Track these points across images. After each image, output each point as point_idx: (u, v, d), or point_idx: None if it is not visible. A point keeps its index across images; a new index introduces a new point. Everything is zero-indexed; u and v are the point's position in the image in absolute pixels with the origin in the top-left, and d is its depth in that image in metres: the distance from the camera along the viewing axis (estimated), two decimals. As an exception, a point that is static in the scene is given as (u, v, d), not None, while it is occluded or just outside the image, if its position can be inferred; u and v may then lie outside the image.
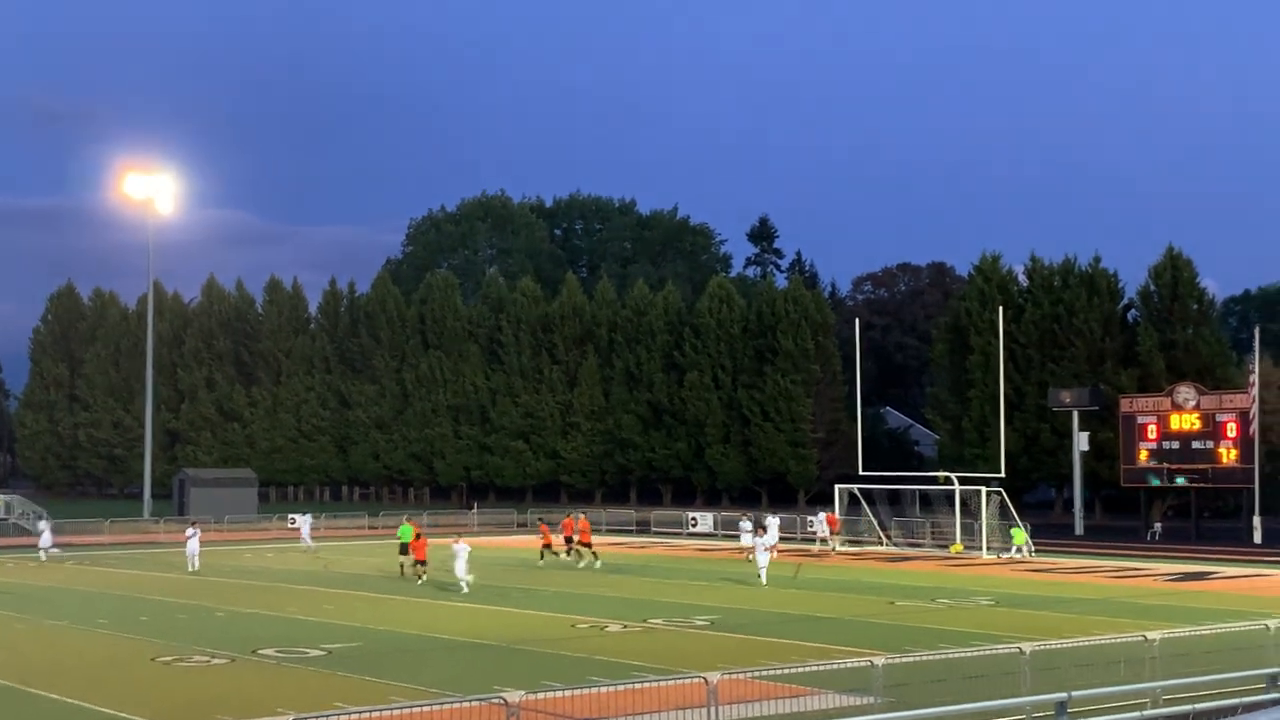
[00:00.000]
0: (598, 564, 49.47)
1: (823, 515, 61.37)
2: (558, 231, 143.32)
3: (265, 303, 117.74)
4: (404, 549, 45.20)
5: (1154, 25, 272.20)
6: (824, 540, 59.68)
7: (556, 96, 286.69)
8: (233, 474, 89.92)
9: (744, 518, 59.03)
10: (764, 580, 41.77)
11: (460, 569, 39.85)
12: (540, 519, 60.34)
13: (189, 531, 49.32)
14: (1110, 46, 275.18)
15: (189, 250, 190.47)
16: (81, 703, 21.90)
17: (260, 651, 27.55)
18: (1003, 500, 56.97)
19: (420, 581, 42.21)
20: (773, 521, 54.71)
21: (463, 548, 40.23)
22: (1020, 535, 55.41)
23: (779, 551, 51.28)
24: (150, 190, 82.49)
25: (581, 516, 53.22)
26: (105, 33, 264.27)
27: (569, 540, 52.40)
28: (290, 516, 63.18)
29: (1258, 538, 60.81)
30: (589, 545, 50.65)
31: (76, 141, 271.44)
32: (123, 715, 20.73)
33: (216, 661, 26.53)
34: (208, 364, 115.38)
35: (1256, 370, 64.71)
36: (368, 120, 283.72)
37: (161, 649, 28.10)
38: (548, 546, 51.48)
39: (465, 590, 39.20)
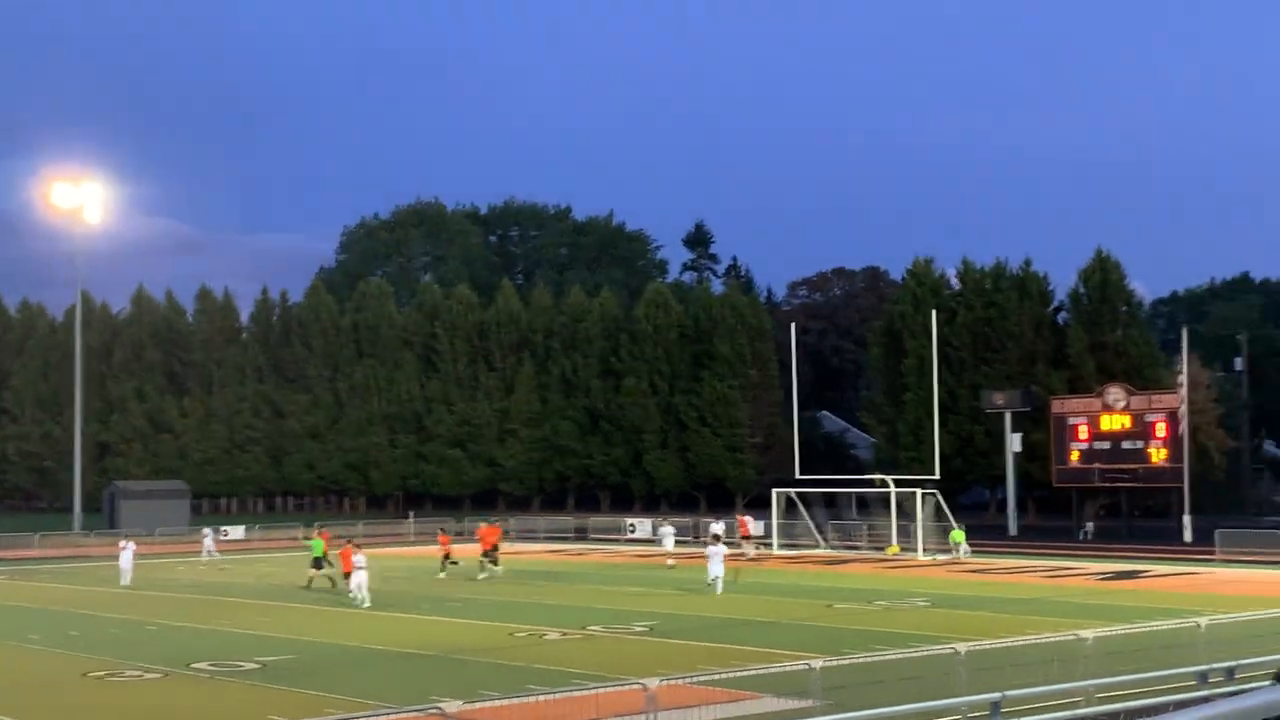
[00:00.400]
0: (499, 571, 47.74)
1: (729, 520, 61.04)
2: (493, 238, 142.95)
3: (196, 312, 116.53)
4: (316, 563, 44.64)
5: (1082, 29, 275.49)
6: (743, 541, 58.96)
7: (490, 103, 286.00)
8: (164, 486, 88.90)
9: (664, 523, 58.72)
10: (719, 589, 40.31)
11: (355, 581, 38.64)
12: (441, 528, 57.96)
13: (122, 545, 48.71)
14: (1037, 51, 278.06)
15: (118, 260, 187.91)
16: None
17: (194, 665, 27.25)
18: (938, 502, 57.41)
19: (352, 595, 40.50)
20: (666, 530, 55.21)
21: (360, 559, 39.09)
22: (958, 535, 55.84)
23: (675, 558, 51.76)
24: (78, 199, 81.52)
25: (494, 523, 51.89)
26: (29, 41, 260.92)
27: (487, 552, 51.73)
28: (203, 530, 62.72)
29: (1188, 536, 61.60)
30: (494, 549, 48.66)
31: (3, 151, 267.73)
32: (54, 732, 20.43)
33: (150, 676, 26.21)
34: (138, 375, 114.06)
35: (1185, 371, 65.60)
36: (299, 127, 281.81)
37: (94, 664, 27.73)
38: (447, 556, 49.27)
39: (364, 605, 37.71)
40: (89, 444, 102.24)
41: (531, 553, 63.12)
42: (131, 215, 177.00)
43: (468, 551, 52.53)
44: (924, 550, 55.71)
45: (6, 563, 57.93)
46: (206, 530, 62.25)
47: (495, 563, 48.13)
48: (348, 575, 41.45)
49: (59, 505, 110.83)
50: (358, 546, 42.23)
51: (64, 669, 27.36)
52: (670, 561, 50.84)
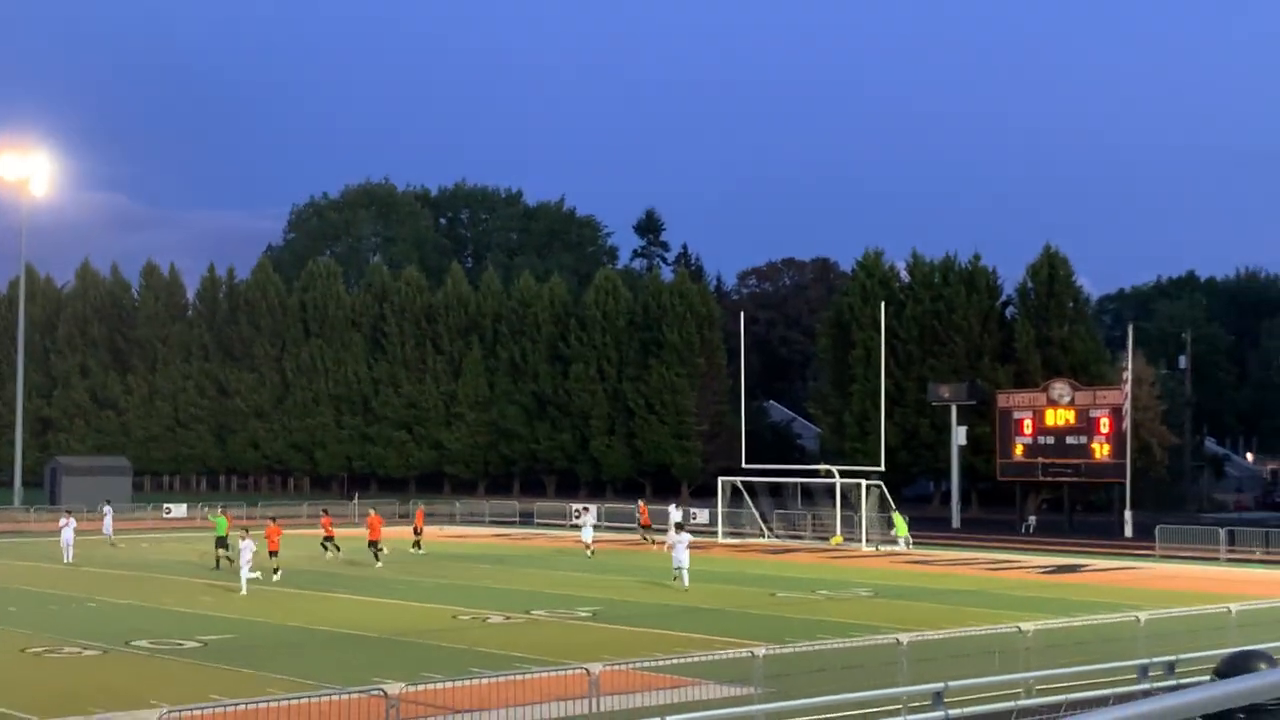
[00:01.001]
0: (340, 555, 47.27)
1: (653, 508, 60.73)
2: (443, 220, 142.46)
3: (142, 288, 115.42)
4: (220, 542, 43.95)
5: (1031, 29, 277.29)
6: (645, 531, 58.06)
7: (442, 83, 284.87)
8: (106, 462, 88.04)
9: (584, 510, 58.17)
10: (685, 582, 37.56)
11: (244, 564, 36.83)
12: (324, 509, 57.15)
13: (63, 521, 47.47)
14: (989, 50, 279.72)
15: (63, 234, 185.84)
16: (-54, 696, 21.30)
17: (134, 643, 27.03)
18: (882, 493, 57.69)
19: (276, 576, 39.92)
20: (587, 519, 54.43)
21: (248, 544, 37.34)
22: (902, 525, 56.00)
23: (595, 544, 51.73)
24: (24, 171, 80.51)
25: (371, 512, 50.01)
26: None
27: (417, 532, 52.79)
28: (103, 508, 59.98)
29: (1129, 531, 62.22)
30: (332, 539, 47.66)
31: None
32: (-10, 708, 20.20)
33: (88, 653, 25.98)
34: (81, 350, 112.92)
35: (1130, 368, 66.22)
36: (249, 104, 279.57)
37: (32, 640, 27.45)
38: (329, 539, 48.13)
39: (244, 592, 36.11)
40: (30, 419, 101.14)
41: (476, 536, 62.99)
42: (78, 189, 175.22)
43: (400, 534, 52.44)
44: (867, 541, 55.99)
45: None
46: (106, 508, 58.25)
47: (338, 549, 47.51)
48: (275, 553, 40.91)
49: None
50: (245, 531, 40.73)
51: (2, 644, 27.06)
52: (590, 550, 50.10)
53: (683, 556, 38.00)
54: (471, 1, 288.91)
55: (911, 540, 55.78)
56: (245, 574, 36.82)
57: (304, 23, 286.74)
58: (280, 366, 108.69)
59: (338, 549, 47.91)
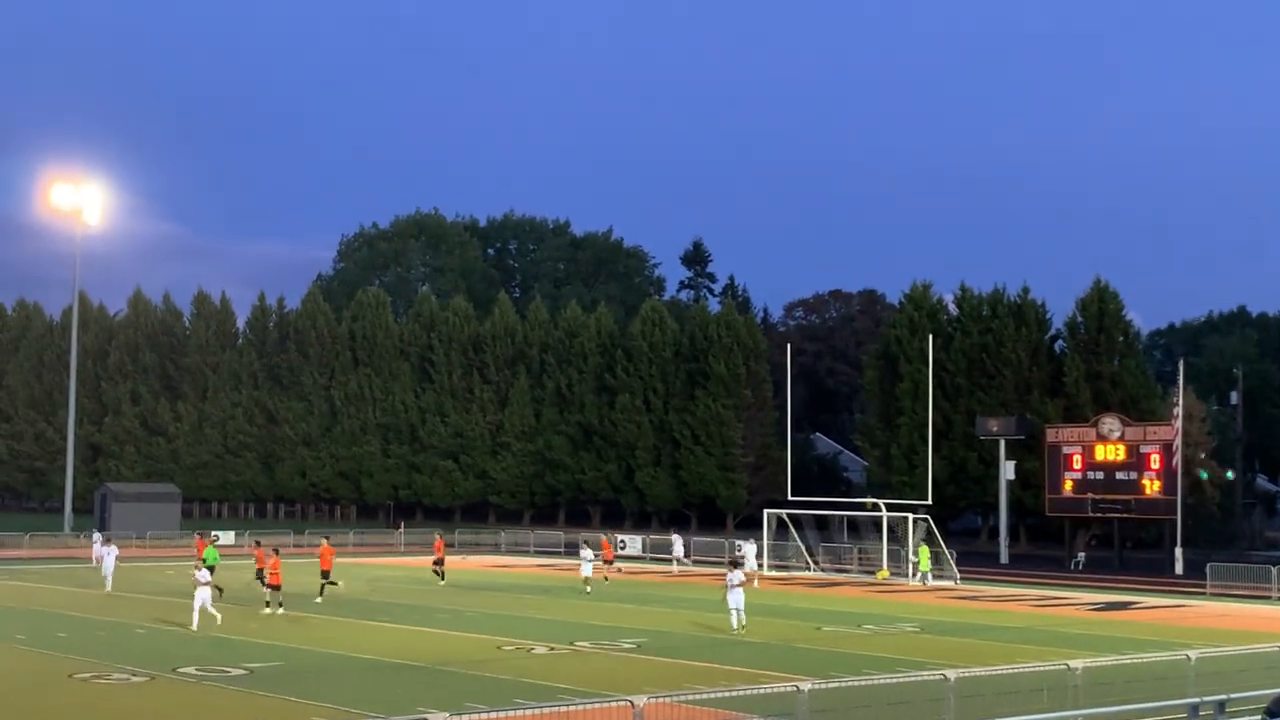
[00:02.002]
0: (332, 591, 43.06)
1: (600, 538, 58.89)
2: (491, 251, 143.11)
3: (192, 316, 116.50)
4: (210, 571, 41.42)
5: (1079, 63, 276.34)
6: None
7: (492, 115, 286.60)
8: (155, 489, 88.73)
9: (584, 544, 52.81)
10: (742, 620, 35.41)
11: (199, 597, 34.49)
12: (257, 540, 54.13)
13: (105, 549, 46.54)
14: (1038, 84, 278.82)
15: (116, 263, 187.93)
16: (-5, 720, 21.46)
17: (181, 670, 27.15)
18: (929, 527, 57.31)
19: (278, 610, 38.54)
20: (586, 554, 50.96)
21: (204, 575, 35.23)
22: (925, 559, 55.42)
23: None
24: (78, 201, 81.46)
25: (323, 542, 45.97)
26: (32, 41, 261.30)
27: (438, 562, 51.72)
28: (94, 535, 58.88)
29: (1179, 568, 61.55)
30: (277, 587, 40.03)
31: (2, 152, 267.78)
32: (38, 733, 20.32)
33: (136, 680, 26.10)
34: (132, 378, 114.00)
35: (1180, 403, 65.60)
36: (302, 136, 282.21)
37: (81, 666, 27.62)
38: (261, 571, 42.85)
39: (194, 627, 33.62)
40: (81, 445, 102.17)
41: (521, 567, 62.99)
42: (131, 218, 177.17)
43: (422, 563, 52.38)
44: (914, 575, 55.61)
45: (-5, 562, 57.69)
46: (96, 535, 56.62)
47: (330, 585, 43.22)
48: (277, 588, 39.12)
49: (50, 506, 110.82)
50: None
51: (51, 670, 27.24)
52: (589, 587, 48.15)
53: (737, 598, 35.36)
54: (521, 36, 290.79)
55: (930, 576, 55.09)
56: (198, 605, 34.39)
57: (357, 55, 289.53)
58: (328, 395, 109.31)
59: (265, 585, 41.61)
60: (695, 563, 63.85)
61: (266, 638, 32.91)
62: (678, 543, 62.33)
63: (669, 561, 61.09)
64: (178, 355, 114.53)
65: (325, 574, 43.97)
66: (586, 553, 50.18)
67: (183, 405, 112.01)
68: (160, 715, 22.00)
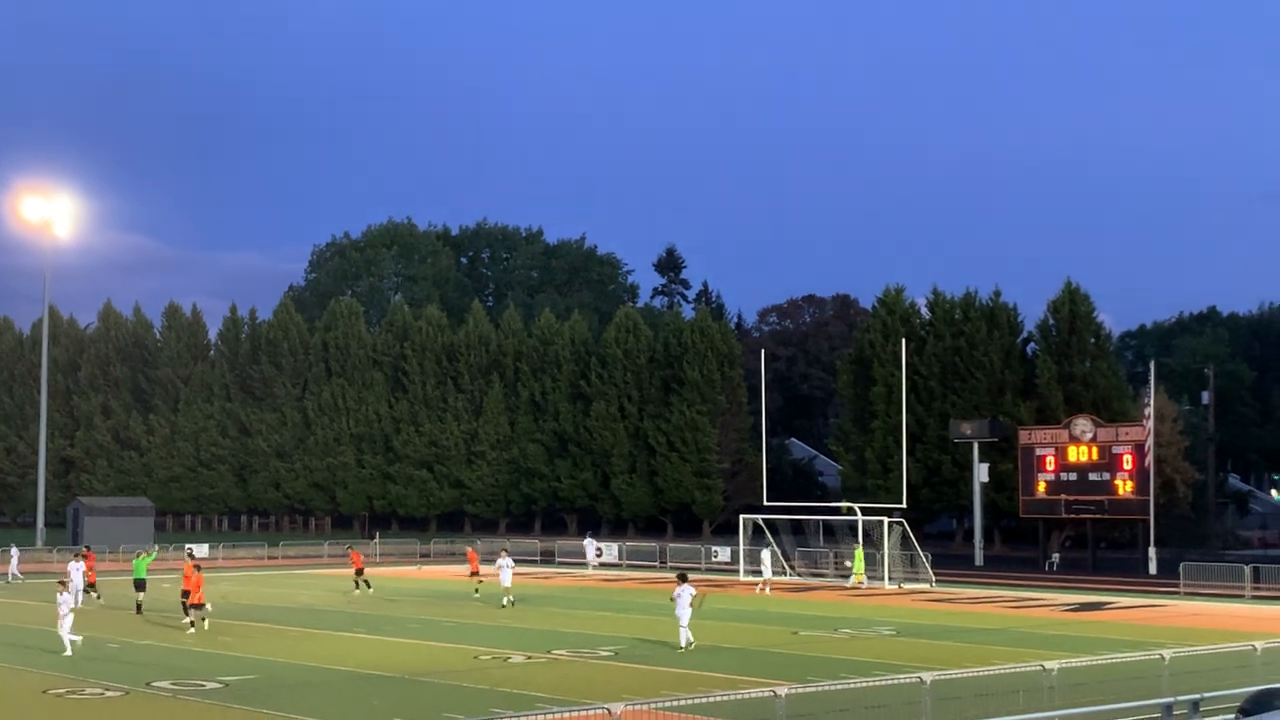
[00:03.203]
0: (204, 624, 37.81)
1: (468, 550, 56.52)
2: (464, 259, 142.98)
3: (164, 329, 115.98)
4: (138, 584, 41.82)
5: (1052, 64, 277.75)
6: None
7: (463, 124, 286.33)
8: (129, 503, 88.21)
9: (503, 553, 48.22)
10: (688, 640, 33.13)
11: (63, 618, 32.60)
12: (191, 553, 52.51)
13: (73, 565, 44.73)
14: (1008, 85, 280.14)
15: (86, 276, 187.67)
16: (-32, 737, 21.33)
17: (155, 684, 27.02)
18: (904, 531, 57.45)
19: (193, 626, 37.03)
20: (505, 561, 48.09)
21: (66, 599, 33.28)
22: (859, 562, 55.57)
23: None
24: (48, 214, 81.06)
25: (187, 563, 41.28)
26: (2, 51, 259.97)
27: (359, 573, 51.30)
28: (11, 549, 58.18)
29: (1153, 568, 61.83)
30: (199, 604, 37.90)
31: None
32: (11, 750, 20.21)
33: (110, 694, 25.97)
34: (104, 391, 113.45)
35: (1151, 404, 65.90)
36: (271, 146, 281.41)
37: (54, 681, 27.47)
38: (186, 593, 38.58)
39: (68, 652, 31.76)
40: (54, 459, 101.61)
41: (498, 576, 62.76)
42: (101, 231, 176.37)
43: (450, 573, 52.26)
44: (890, 579, 55.74)
45: (-33, 578, 57.28)
46: (14, 550, 55.96)
47: (196, 608, 37.94)
48: (199, 606, 37.45)
49: (22, 520, 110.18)
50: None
51: (24, 686, 27.08)
52: (509, 600, 45.19)
53: (684, 613, 33.07)
54: (491, 43, 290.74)
55: (864, 581, 55.24)
56: (65, 633, 32.35)
57: (328, 66, 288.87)
58: (302, 406, 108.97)
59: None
60: (604, 565, 67.42)
61: (242, 650, 32.79)
62: (590, 546, 67.19)
63: (649, 569, 61.12)
64: (149, 368, 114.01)
65: (359, 573, 49.65)
66: (505, 560, 46.57)
67: (155, 418, 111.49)
68: (135, 730, 21.90)
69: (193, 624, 37.20)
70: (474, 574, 50.60)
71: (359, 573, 51.74)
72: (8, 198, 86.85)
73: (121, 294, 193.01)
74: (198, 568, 38.78)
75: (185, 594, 37.93)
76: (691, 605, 33.24)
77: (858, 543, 56.74)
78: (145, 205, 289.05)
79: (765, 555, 55.21)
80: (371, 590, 50.61)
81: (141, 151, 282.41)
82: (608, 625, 39.42)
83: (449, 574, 63.07)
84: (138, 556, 43.88)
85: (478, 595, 48.04)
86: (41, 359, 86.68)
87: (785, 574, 60.13)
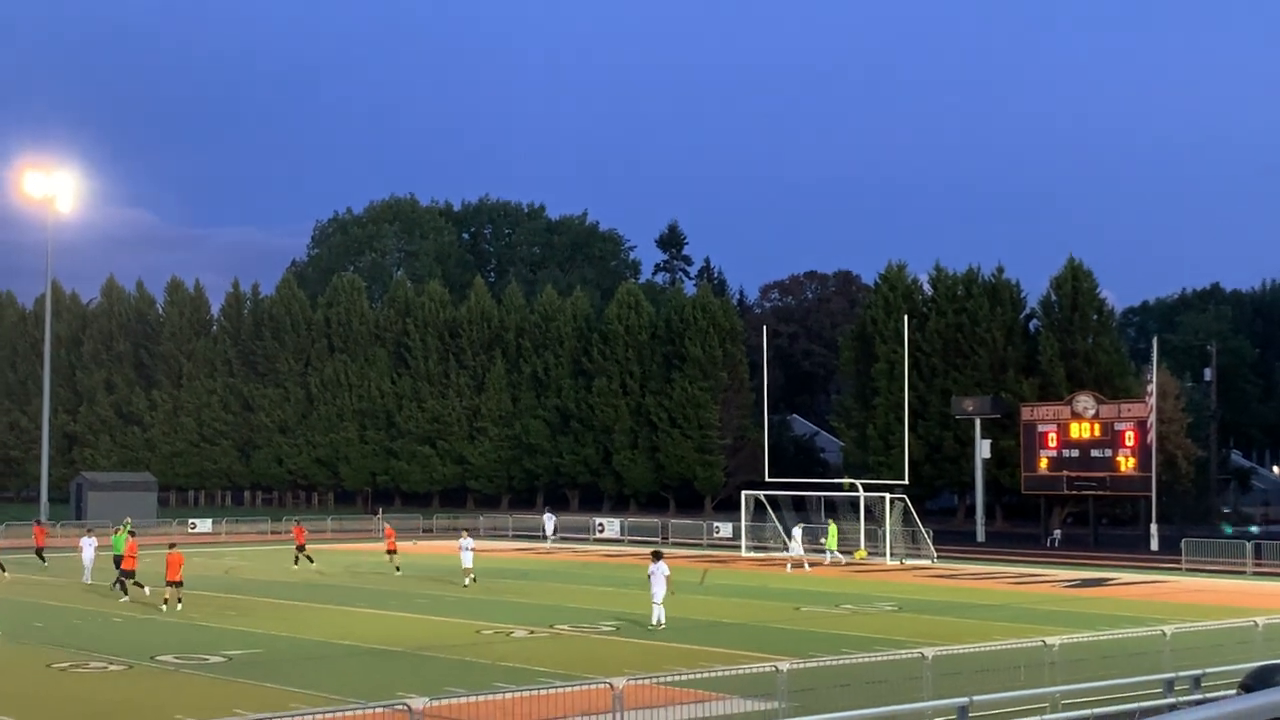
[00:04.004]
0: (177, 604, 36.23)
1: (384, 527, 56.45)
2: (466, 235, 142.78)
3: (166, 304, 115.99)
4: (118, 560, 40.36)
5: (1054, 39, 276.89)
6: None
7: (465, 99, 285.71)
8: (132, 478, 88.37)
9: (464, 533, 47.12)
10: (659, 618, 32.56)
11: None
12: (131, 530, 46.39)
13: (84, 540, 45.29)
14: (1015, 63, 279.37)
15: (89, 251, 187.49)
16: (-27, 711, 21.40)
17: (159, 658, 27.11)
18: (906, 507, 57.50)
19: (125, 595, 37.90)
20: (796, 533, 52.22)
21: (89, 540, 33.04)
22: (833, 536, 55.30)
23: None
24: (50, 189, 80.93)
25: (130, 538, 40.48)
26: (2, 27, 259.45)
27: (300, 548, 51.03)
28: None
29: (1154, 545, 61.89)
30: (178, 581, 36.60)
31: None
32: (16, 723, 20.28)
33: (114, 668, 26.05)
34: (107, 366, 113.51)
35: (1154, 380, 65.89)
36: (273, 122, 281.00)
37: (58, 656, 27.55)
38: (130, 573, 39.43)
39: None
40: (56, 434, 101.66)
41: (500, 551, 63.02)
42: (104, 206, 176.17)
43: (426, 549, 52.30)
44: (892, 555, 55.81)
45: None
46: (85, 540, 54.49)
47: (174, 585, 36.72)
48: (130, 573, 38.10)
49: (26, 495, 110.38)
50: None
51: (27, 660, 27.17)
52: (470, 578, 44.16)
53: (659, 588, 32.63)
54: (493, 19, 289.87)
55: (840, 559, 54.95)
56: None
57: (327, 40, 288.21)
58: (304, 382, 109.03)
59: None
60: (563, 539, 69.05)
61: (246, 625, 32.88)
62: (549, 521, 68.94)
63: (651, 544, 61.04)
64: (152, 343, 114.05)
65: (300, 548, 49.91)
66: (467, 541, 45.22)
67: (158, 393, 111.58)
68: (138, 703, 21.98)
69: (125, 592, 38.13)
70: (391, 552, 49.85)
71: (300, 548, 51.07)
72: (10, 173, 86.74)
73: (124, 269, 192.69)
74: (132, 533, 40.63)
75: (122, 569, 38.83)
76: (667, 579, 32.88)
77: (831, 519, 56.59)
78: (147, 181, 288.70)
79: (797, 533, 54.59)
80: (314, 565, 49.96)
81: (143, 127, 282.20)
82: (609, 600, 39.51)
83: (451, 549, 63.21)
84: (115, 533, 43.34)
85: (399, 573, 47.75)
86: (44, 334, 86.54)
87: (788, 549, 60.18)
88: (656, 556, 33.99)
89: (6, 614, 35.21)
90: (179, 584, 36.24)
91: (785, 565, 52.38)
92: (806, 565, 52.06)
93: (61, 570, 48.95)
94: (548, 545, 66.35)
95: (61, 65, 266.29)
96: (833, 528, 56.03)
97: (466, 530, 49.12)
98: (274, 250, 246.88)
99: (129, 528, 42.92)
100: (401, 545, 52.50)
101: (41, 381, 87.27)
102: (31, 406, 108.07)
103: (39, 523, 53.63)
